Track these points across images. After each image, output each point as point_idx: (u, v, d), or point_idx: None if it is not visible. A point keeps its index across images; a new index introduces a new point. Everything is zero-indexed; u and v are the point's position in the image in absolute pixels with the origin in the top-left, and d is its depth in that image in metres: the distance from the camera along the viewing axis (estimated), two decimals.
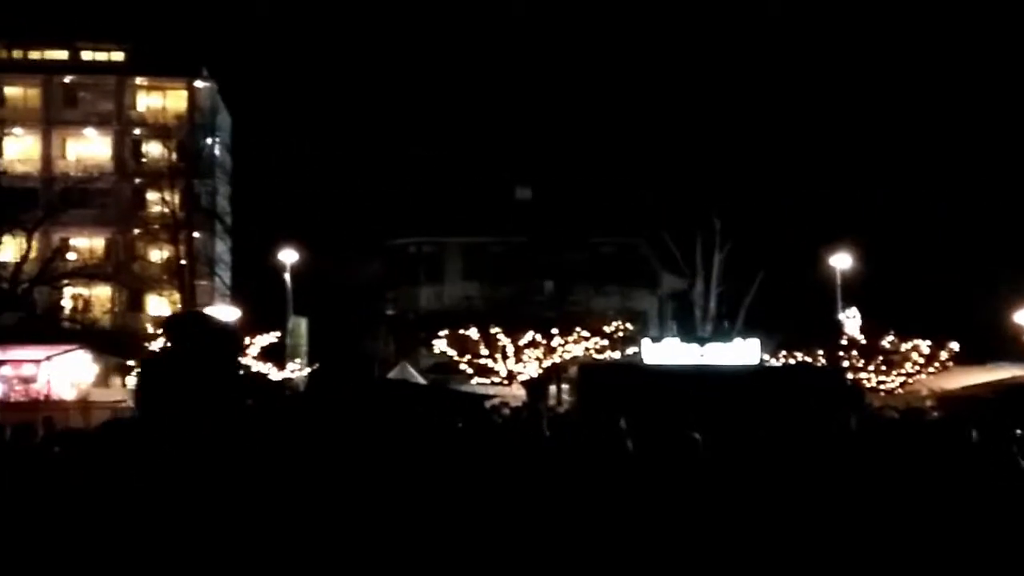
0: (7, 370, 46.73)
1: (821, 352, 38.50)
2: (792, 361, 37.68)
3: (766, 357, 36.40)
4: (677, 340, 37.02)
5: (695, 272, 46.09)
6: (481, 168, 57.11)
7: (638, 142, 46.83)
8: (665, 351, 33.40)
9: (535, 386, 38.86)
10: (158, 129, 60.93)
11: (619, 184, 46.92)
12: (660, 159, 45.22)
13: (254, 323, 42.48)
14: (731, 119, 45.64)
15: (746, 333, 38.20)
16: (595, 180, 48.54)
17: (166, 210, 57.82)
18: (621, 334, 40.44)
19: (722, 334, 40.99)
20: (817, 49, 53.81)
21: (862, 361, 37.67)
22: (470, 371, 39.83)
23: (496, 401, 29.28)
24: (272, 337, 40.95)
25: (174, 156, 58.94)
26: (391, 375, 38.15)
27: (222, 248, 63.07)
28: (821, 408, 13.13)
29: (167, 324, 6.97)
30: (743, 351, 33.16)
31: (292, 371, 40.93)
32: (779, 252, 44.09)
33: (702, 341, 38.39)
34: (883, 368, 37.77)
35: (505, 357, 39.39)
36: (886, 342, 38.13)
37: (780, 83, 50.55)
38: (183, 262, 56.74)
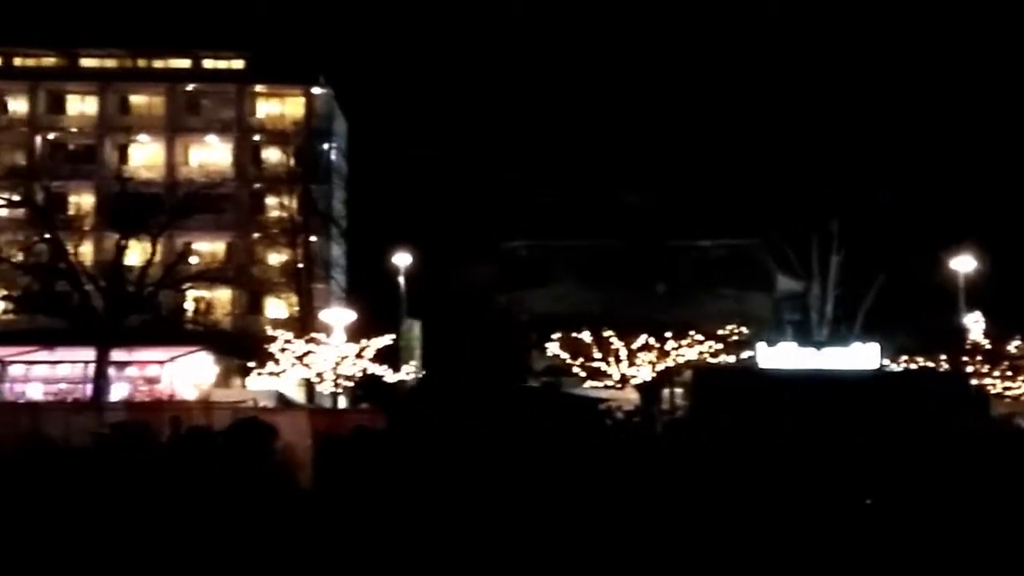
0: (132, 371, 48.02)
1: (944, 357, 37.59)
2: (913, 366, 36.87)
3: (886, 362, 35.68)
4: (793, 344, 36.53)
5: (812, 275, 45.28)
6: (593, 170, 56.87)
7: (754, 142, 46.15)
8: (781, 355, 33.00)
9: (648, 390, 38.60)
10: (277, 135, 62.09)
11: (734, 185, 46.29)
12: (776, 159, 44.49)
13: (368, 326, 42.92)
14: (849, 118, 44.68)
15: (865, 337, 37.51)
16: (709, 181, 47.95)
17: (284, 215, 58.75)
18: (736, 338, 39.94)
19: (840, 338, 40.27)
20: (936, 44, 52.39)
21: (987, 366, 36.69)
22: (583, 374, 39.72)
23: (609, 404, 29.24)
24: (387, 340, 41.33)
25: (292, 161, 59.88)
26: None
27: (338, 252, 63.67)
28: (945, 415, 12.83)
29: None
30: (862, 356, 32.55)
31: (407, 373, 41.27)
32: (899, 254, 43.07)
33: (819, 345, 37.79)
34: (1009, 374, 36.74)
35: (618, 360, 39.19)
36: (1012, 347, 37.09)
37: (901, 80, 49.32)
38: (300, 265, 57.46)
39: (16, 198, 50.90)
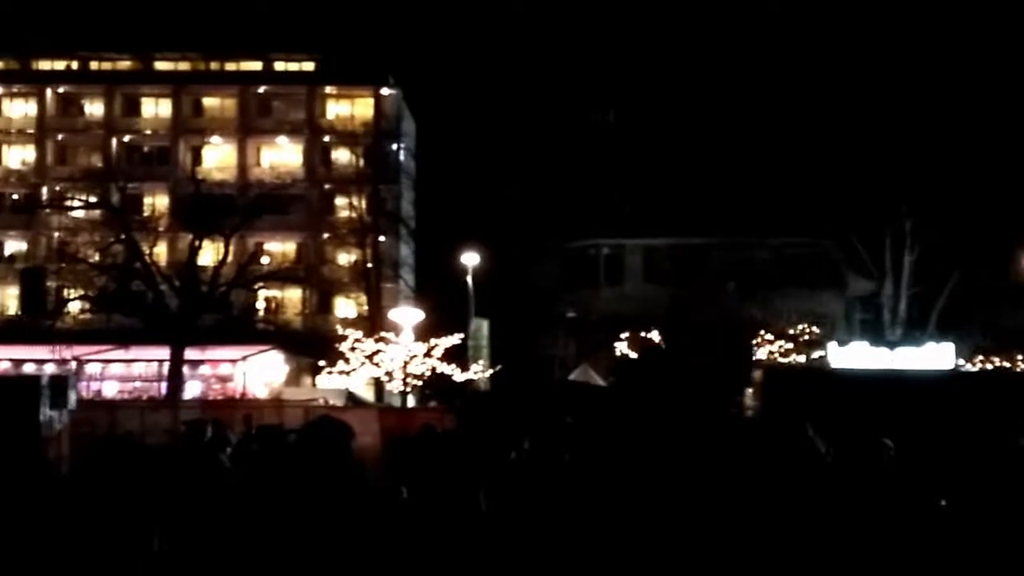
0: (206, 369, 48.66)
1: (1021, 357, 36.93)
2: (989, 367, 36.25)
3: (960, 362, 35.12)
4: (865, 344, 36.04)
5: (884, 274, 44.72)
6: (661, 168, 56.64)
7: (824, 138, 45.56)
8: (853, 355, 32.58)
9: None
10: (346, 136, 62.64)
11: (804, 183, 45.78)
12: (849, 155, 43.90)
13: (437, 325, 43.11)
14: (923, 112, 43.91)
15: (938, 337, 36.93)
16: (779, 179, 47.49)
17: (354, 215, 59.29)
18: (807, 337, 39.66)
19: (913, 338, 39.71)
20: (1012, 35, 51.23)
21: None
22: None
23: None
24: (455, 339, 41.49)
25: (361, 162, 60.43)
26: (572, 377, 38.23)
27: (406, 251, 64.14)
28: (1022, 417, 12.56)
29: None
30: (936, 356, 32.05)
31: (475, 372, 41.43)
32: (974, 253, 42.33)
33: (892, 345, 37.25)
34: None
35: None
36: None
37: (976, 73, 48.28)
38: (369, 265, 57.97)
39: (93, 199, 51.83)
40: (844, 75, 47.25)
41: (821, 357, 36.22)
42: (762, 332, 38.93)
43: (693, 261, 53.27)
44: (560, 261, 57.55)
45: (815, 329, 40.48)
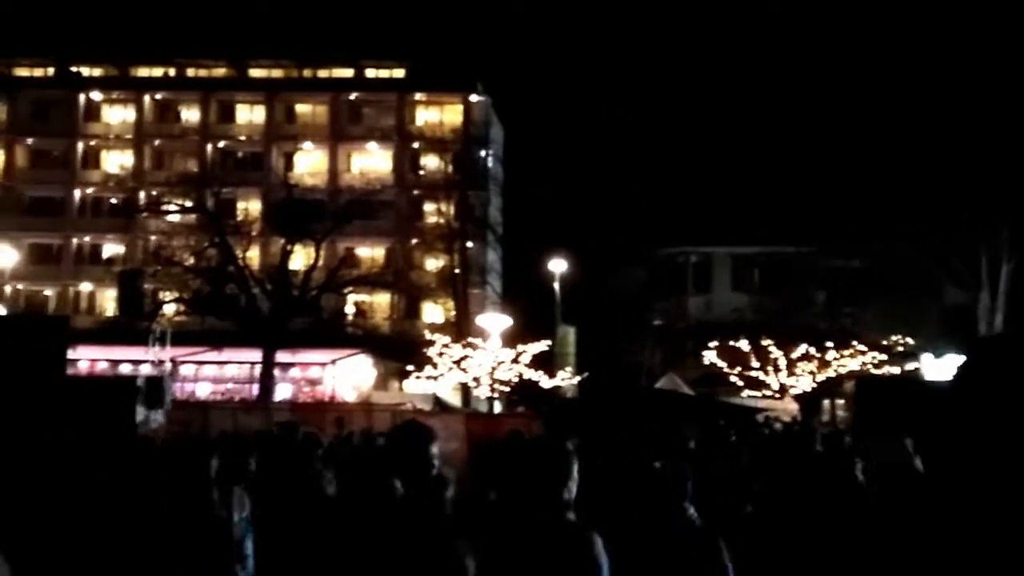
0: (296, 372, 49.21)
1: None
2: None
3: None
4: (962, 356, 35.28)
5: (980, 285, 43.67)
6: (751, 175, 56.07)
7: (918, 143, 44.62)
8: (948, 367, 31.91)
9: (808, 401, 37.90)
10: (435, 143, 62.90)
11: (898, 190, 44.90)
12: (943, 162, 42.95)
13: (524, 331, 43.08)
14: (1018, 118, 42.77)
15: None
16: (872, 185, 46.63)
17: (442, 220, 59.48)
18: (900, 348, 38.91)
19: None
20: None
21: None
22: (740, 383, 39.18)
23: (767, 414, 28.77)
24: (542, 345, 41.41)
25: (450, 168, 60.65)
26: (658, 385, 37.98)
27: (493, 257, 64.07)
28: None
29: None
30: None
31: (562, 379, 41.33)
32: None
33: None
34: None
35: (777, 370, 38.56)
36: None
37: None
38: (457, 271, 58.11)
39: (188, 204, 52.58)
40: (931, 83, 46.28)
41: (916, 369, 35.57)
42: (854, 343, 38.34)
43: (782, 270, 52.64)
44: (647, 268, 57.28)
45: (909, 340, 39.64)
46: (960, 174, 42.33)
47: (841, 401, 37.34)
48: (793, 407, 36.53)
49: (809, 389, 38.30)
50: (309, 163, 65.58)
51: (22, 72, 67.63)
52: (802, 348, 38.53)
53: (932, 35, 47.01)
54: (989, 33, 45.70)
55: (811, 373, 38.18)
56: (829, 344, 38.38)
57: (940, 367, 32.19)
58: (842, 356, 38.05)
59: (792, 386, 38.36)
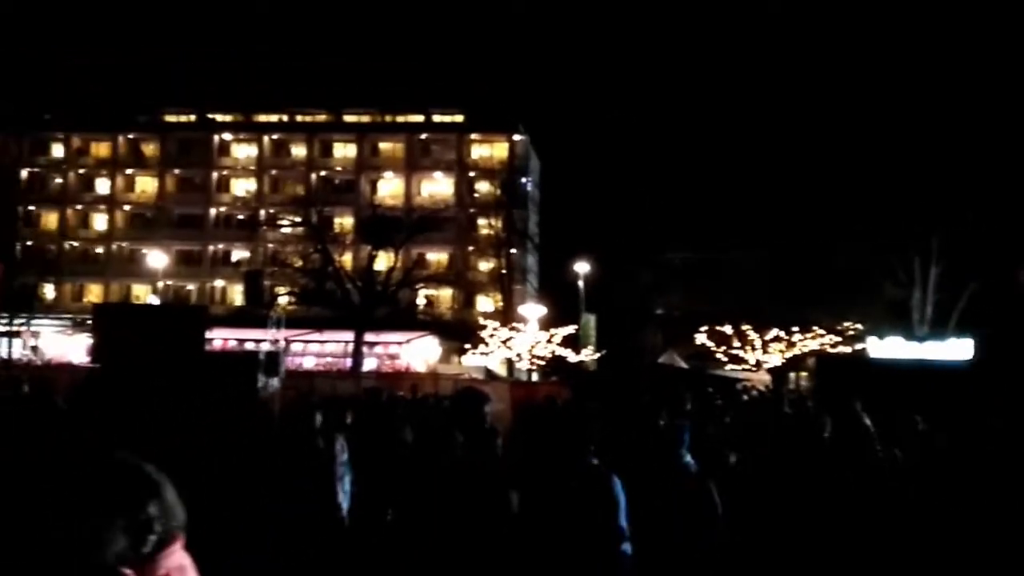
0: (379, 349, 49.44)
1: None
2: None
3: (976, 355, 33.76)
4: (899, 339, 34.85)
5: (914, 283, 43.17)
6: (729, 197, 55.67)
7: (864, 168, 44.11)
8: (888, 348, 31.56)
9: (779, 373, 37.59)
10: (487, 172, 63.12)
11: (848, 205, 44.44)
12: (885, 183, 42.50)
13: (556, 318, 43.10)
14: (948, 147, 42.09)
15: (959, 334, 35.50)
16: (826, 201, 46.15)
17: (492, 232, 59.50)
18: (851, 333, 38.49)
19: (937, 334, 38.27)
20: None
21: None
22: (724, 359, 38.96)
23: (746, 383, 28.57)
24: (569, 329, 41.41)
25: (498, 192, 60.70)
26: (660, 360, 37.87)
27: (532, 261, 64.13)
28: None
29: None
30: (956, 349, 30.86)
31: (585, 356, 41.26)
32: (988, 265, 40.65)
33: (920, 340, 36.00)
34: None
35: (753, 349, 38.32)
36: None
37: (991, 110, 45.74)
38: (503, 272, 58.10)
39: (297, 220, 52.96)
40: (883, 116, 45.73)
41: (863, 349, 35.16)
42: (814, 328, 38.00)
43: (758, 269, 52.19)
44: (652, 269, 56.97)
45: (858, 326, 39.21)
46: (899, 194, 41.93)
47: (804, 374, 36.95)
48: (766, 378, 36.19)
49: (779, 364, 38.01)
50: (389, 188, 65.84)
51: (171, 118, 68.36)
52: (774, 332, 38.24)
53: (886, 62, 46.36)
54: (938, 66, 45.02)
55: (780, 352, 37.92)
56: (795, 329, 38.10)
57: (882, 347, 31.73)
58: (805, 338, 37.78)
59: (765, 362, 38.09)
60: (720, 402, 14.87)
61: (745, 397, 19.62)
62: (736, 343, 38.70)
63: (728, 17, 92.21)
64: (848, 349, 37.04)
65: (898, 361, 24.37)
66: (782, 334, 38.19)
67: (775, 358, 38.03)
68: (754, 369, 37.74)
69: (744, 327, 38.41)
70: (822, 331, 37.99)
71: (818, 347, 37.15)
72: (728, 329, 38.87)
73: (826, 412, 7.82)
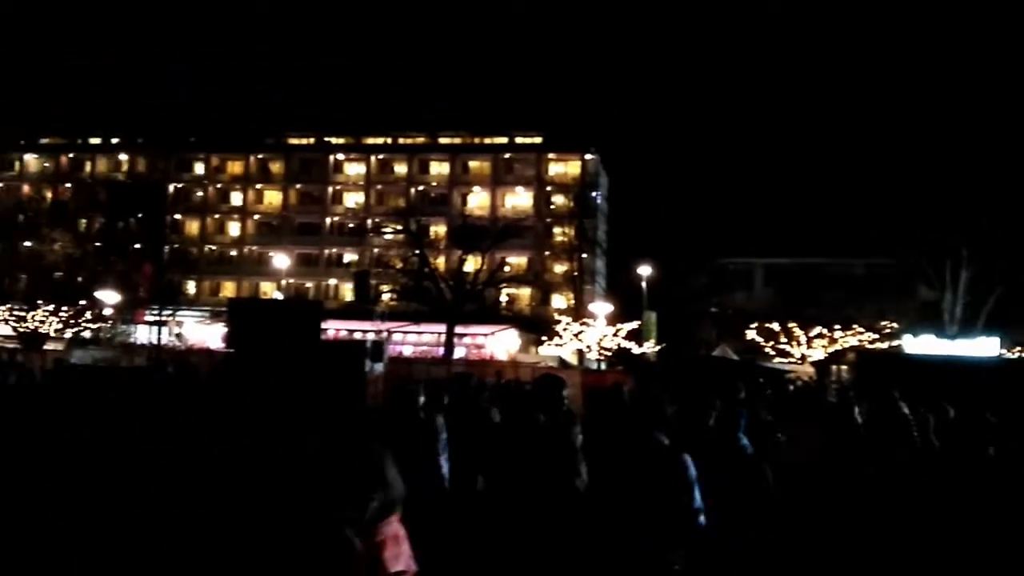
0: (467, 340, 49.61)
1: None
2: None
3: (1003, 351, 32.46)
4: (932, 336, 33.66)
5: (945, 286, 41.66)
6: (778, 208, 54.58)
7: (902, 181, 42.64)
8: (922, 344, 30.50)
9: (822, 366, 36.63)
10: (562, 187, 62.86)
11: (887, 216, 43.02)
12: (922, 196, 41.05)
13: (621, 314, 42.75)
14: (982, 161, 40.39)
15: (987, 333, 34.14)
16: (867, 211, 44.76)
17: (565, 239, 59.32)
18: (888, 331, 37.32)
19: (967, 333, 36.86)
20: None
21: None
22: (772, 353, 38.14)
23: (791, 375, 27.94)
24: (633, 324, 41.06)
25: (571, 204, 60.43)
26: (714, 353, 37.23)
27: (600, 264, 63.72)
28: None
29: None
30: (985, 346, 29.70)
31: (647, 348, 40.89)
32: (1015, 271, 39.04)
33: (951, 337, 34.75)
34: None
35: (799, 344, 37.41)
36: None
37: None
38: (576, 274, 57.93)
39: (399, 228, 53.59)
40: (912, 135, 44.28)
41: (899, 345, 34.06)
42: (854, 326, 36.95)
43: (803, 275, 51.00)
44: (707, 272, 56.18)
45: (895, 325, 37.98)
46: (933, 206, 40.57)
47: (845, 367, 35.88)
48: (810, 370, 35.36)
49: (822, 358, 37.02)
50: (477, 201, 66.16)
51: (293, 141, 69.87)
52: (817, 329, 37.26)
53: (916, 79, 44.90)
54: (965, 83, 43.39)
55: (823, 347, 36.91)
56: (837, 327, 37.08)
57: (916, 344, 30.67)
58: (846, 335, 36.72)
59: (809, 356, 37.14)
60: (770, 391, 14.58)
61: (791, 387, 19.21)
62: (783, 339, 37.83)
63: (766, 38, 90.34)
64: (885, 345, 35.89)
65: (931, 356, 23.57)
66: (825, 331, 37.18)
67: (818, 352, 37.05)
68: (799, 362, 36.86)
69: (790, 324, 37.53)
70: (861, 329, 36.87)
71: (857, 343, 36.07)
72: (775, 326, 38.02)
73: (866, 400, 7.61)
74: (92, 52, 67.56)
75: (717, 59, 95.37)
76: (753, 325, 39.01)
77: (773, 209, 55.11)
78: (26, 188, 69.48)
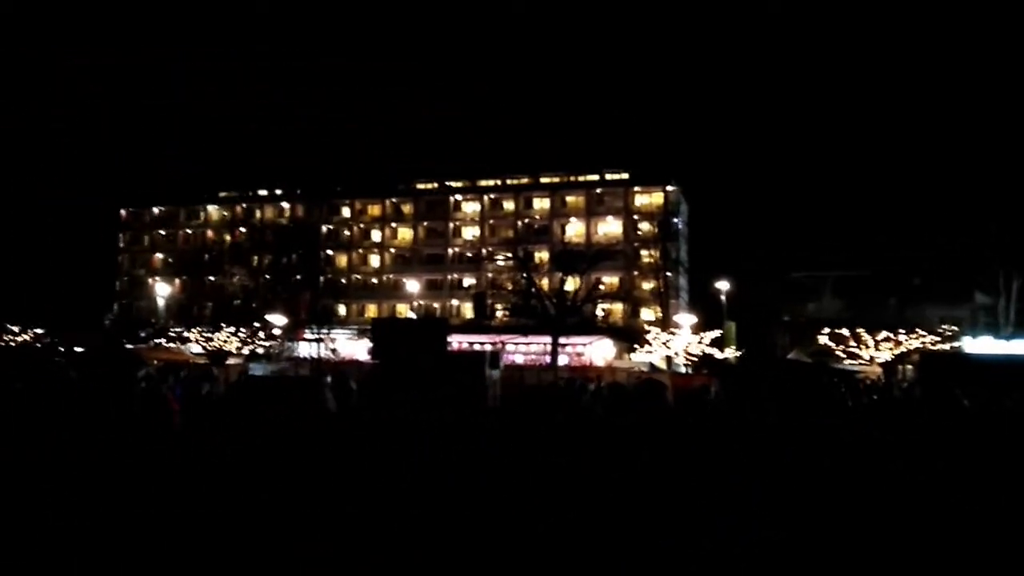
0: (569, 349, 49.51)
1: None
2: None
3: None
4: (989, 338, 31.49)
5: (999, 292, 38.96)
6: (847, 219, 52.36)
7: (960, 199, 40.28)
8: (980, 345, 28.62)
9: (889, 366, 34.74)
10: (647, 215, 62.24)
11: (948, 229, 40.63)
12: (978, 212, 38.68)
13: (703, 324, 41.76)
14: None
15: None
16: (929, 225, 42.40)
17: (651, 260, 58.65)
18: (948, 333, 35.09)
19: (1021, 335, 34.27)
20: None
21: None
22: (843, 356, 36.46)
23: (860, 375, 26.68)
24: (715, 333, 40.05)
25: (656, 230, 59.79)
26: (789, 357, 35.94)
27: (683, 281, 62.72)
28: None
29: None
30: None
31: (728, 353, 39.78)
32: None
33: (1007, 338, 32.43)
34: None
35: (867, 347, 35.62)
36: None
37: None
38: (661, 290, 57.12)
39: (509, 255, 54.31)
40: (981, 145, 41.81)
41: (959, 346, 32.01)
42: (917, 330, 34.93)
43: (869, 283, 48.65)
44: (781, 285, 54.39)
45: (954, 328, 35.70)
46: (988, 223, 38.17)
47: (910, 367, 33.86)
48: (878, 371, 33.57)
49: (889, 359, 35.13)
50: (574, 230, 66.08)
51: (420, 186, 71.75)
52: (883, 334, 35.42)
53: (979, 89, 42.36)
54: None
55: (890, 349, 35.01)
56: (902, 331, 35.15)
57: (975, 345, 28.78)
58: (910, 338, 34.73)
59: (876, 357, 35.31)
60: (843, 389, 14.06)
61: (862, 385, 18.41)
62: (851, 343, 36.10)
63: (818, 67, 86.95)
64: (947, 347, 33.78)
65: (989, 355, 22.13)
66: (890, 335, 35.27)
67: (885, 354, 35.16)
68: (867, 364, 35.09)
69: (859, 330, 35.79)
70: (924, 332, 34.78)
71: (921, 345, 34.06)
72: (845, 331, 36.33)
73: (930, 396, 7.30)
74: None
75: (765, 91, 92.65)
76: (824, 331, 37.41)
77: (839, 225, 52.96)
78: (209, 233, 74.01)
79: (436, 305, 67.39)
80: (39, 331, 44.10)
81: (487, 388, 17.50)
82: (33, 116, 67.20)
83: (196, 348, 43.67)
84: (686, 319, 43.07)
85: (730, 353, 39.72)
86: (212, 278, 62.38)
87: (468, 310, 59.24)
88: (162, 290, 55.34)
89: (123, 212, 77.22)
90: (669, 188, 63.74)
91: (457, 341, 45.97)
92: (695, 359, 40.24)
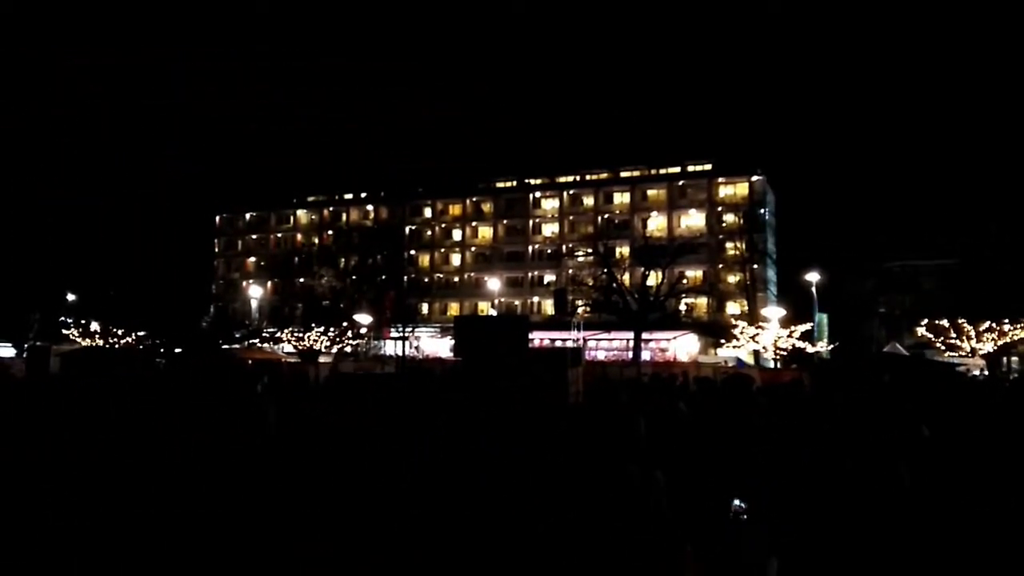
0: (652, 344, 49.07)
1: None
2: None
3: None
4: None
5: None
6: (945, 204, 49.66)
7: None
8: None
9: (992, 358, 32.85)
10: (731, 206, 60.78)
11: None
12: None
13: (792, 317, 40.59)
14: None
15: None
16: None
17: (737, 253, 57.34)
18: None
19: None
20: None
21: None
22: (942, 348, 34.71)
23: (962, 367, 25.35)
24: (805, 327, 38.87)
25: (741, 221, 58.36)
26: (885, 350, 34.51)
27: (771, 273, 60.98)
28: None
29: None
30: None
31: (820, 347, 38.53)
32: None
33: None
34: None
35: (968, 338, 33.79)
36: None
37: None
38: (748, 283, 55.78)
39: (589, 251, 54.17)
40: None
41: None
42: (1021, 320, 32.86)
43: (971, 273, 46.07)
44: (875, 276, 52.18)
45: None
46: None
47: (1015, 358, 31.93)
48: (980, 363, 31.82)
49: (991, 350, 33.20)
50: (656, 224, 65.20)
51: (500, 184, 72.38)
52: (986, 324, 33.50)
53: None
54: None
55: (993, 340, 33.10)
56: (1006, 320, 33.16)
57: None
58: (1015, 328, 32.74)
59: (979, 349, 33.43)
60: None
61: (965, 379, 17.55)
62: (952, 334, 34.33)
63: (905, 54, 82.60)
64: None
65: None
66: (994, 325, 33.34)
67: (988, 346, 33.26)
68: (969, 356, 33.29)
69: (960, 320, 34.00)
70: None
71: None
72: (945, 322, 34.59)
73: None
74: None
75: (860, 78, 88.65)
76: (923, 322, 35.71)
77: (936, 212, 50.34)
78: (299, 236, 76.91)
79: (517, 302, 67.85)
80: (141, 334, 46.76)
81: (568, 385, 17.62)
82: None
83: (288, 348, 45.55)
84: (774, 312, 41.92)
85: (822, 347, 38.45)
86: (302, 280, 64.82)
87: (549, 307, 59.35)
88: (255, 292, 57.95)
89: (217, 218, 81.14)
90: (754, 178, 62.06)
91: (538, 338, 46.17)
92: (784, 353, 39.15)
